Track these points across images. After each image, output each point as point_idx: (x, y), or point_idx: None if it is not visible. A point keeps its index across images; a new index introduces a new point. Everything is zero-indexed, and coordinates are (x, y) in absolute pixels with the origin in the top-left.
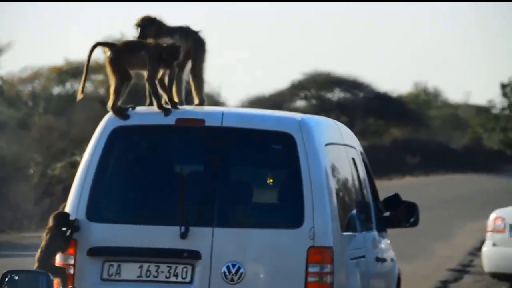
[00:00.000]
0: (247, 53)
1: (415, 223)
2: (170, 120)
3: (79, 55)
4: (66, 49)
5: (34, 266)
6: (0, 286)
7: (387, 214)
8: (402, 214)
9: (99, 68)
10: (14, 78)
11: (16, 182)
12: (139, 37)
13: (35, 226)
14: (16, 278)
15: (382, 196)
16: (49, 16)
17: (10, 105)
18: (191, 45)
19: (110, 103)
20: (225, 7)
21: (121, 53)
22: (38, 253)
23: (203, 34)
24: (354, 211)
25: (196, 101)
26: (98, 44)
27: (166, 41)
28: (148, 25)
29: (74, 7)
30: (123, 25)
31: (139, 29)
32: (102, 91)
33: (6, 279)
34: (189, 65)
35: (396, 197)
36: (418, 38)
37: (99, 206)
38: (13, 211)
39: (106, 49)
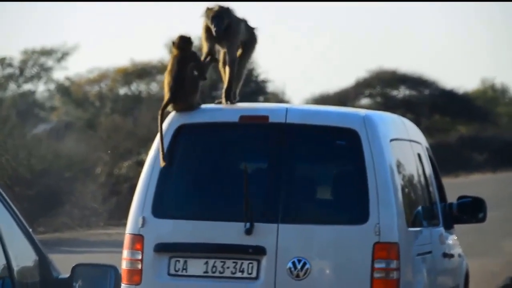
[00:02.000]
0: (311, 52)
1: (483, 219)
2: (234, 117)
3: (144, 56)
4: (132, 50)
5: None
6: (70, 279)
7: (454, 210)
8: (470, 210)
9: (164, 69)
10: (82, 79)
11: (84, 181)
12: (215, 30)
13: (103, 224)
14: (85, 271)
15: (449, 193)
16: (115, 18)
17: (77, 105)
18: (246, 39)
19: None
20: (292, 4)
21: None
22: None
23: (257, 32)
24: (420, 207)
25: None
26: None
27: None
28: (225, 17)
29: (138, 8)
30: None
31: (214, 21)
32: None
33: (76, 272)
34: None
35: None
36: (485, 34)
37: (165, 203)
38: (81, 209)
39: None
